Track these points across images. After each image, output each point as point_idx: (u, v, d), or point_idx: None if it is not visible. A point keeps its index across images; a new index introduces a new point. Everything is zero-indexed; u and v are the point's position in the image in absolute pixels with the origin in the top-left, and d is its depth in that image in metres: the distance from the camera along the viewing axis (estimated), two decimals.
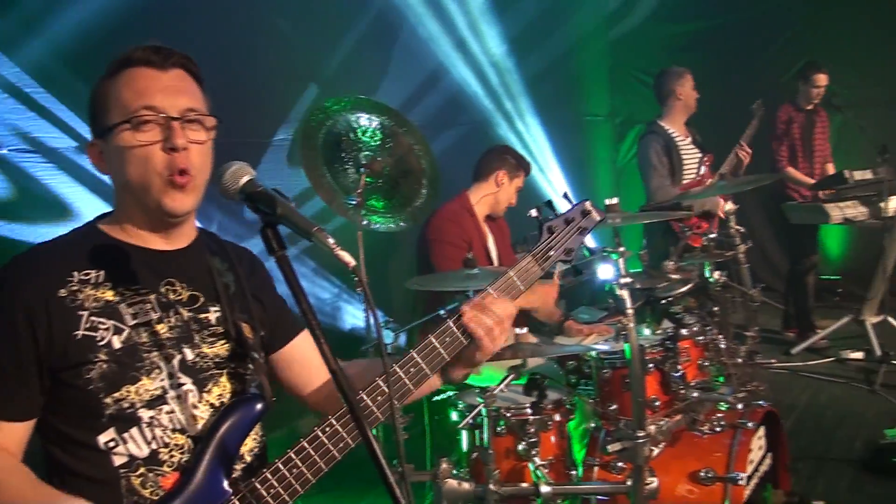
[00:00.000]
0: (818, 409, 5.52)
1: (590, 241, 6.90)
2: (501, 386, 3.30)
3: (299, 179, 4.71)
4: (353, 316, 5.92)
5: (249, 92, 5.47)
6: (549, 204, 2.21)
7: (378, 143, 3.65)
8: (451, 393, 4.30)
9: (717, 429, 3.49)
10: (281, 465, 1.74)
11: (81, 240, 1.83)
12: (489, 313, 1.94)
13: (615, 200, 3.24)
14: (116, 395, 1.69)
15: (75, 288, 1.73)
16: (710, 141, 6.33)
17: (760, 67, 8.44)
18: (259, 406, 1.82)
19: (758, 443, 3.56)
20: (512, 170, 4.62)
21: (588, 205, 2.18)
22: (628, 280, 3.18)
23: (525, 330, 3.54)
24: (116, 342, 1.72)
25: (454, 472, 3.34)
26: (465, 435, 3.44)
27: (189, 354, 1.81)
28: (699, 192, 5.48)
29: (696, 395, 3.52)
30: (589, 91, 9.25)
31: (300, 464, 1.75)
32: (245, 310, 1.95)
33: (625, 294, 3.16)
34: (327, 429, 1.77)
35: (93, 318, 1.71)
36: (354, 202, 3.60)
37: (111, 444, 1.70)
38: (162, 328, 1.79)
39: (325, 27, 6.02)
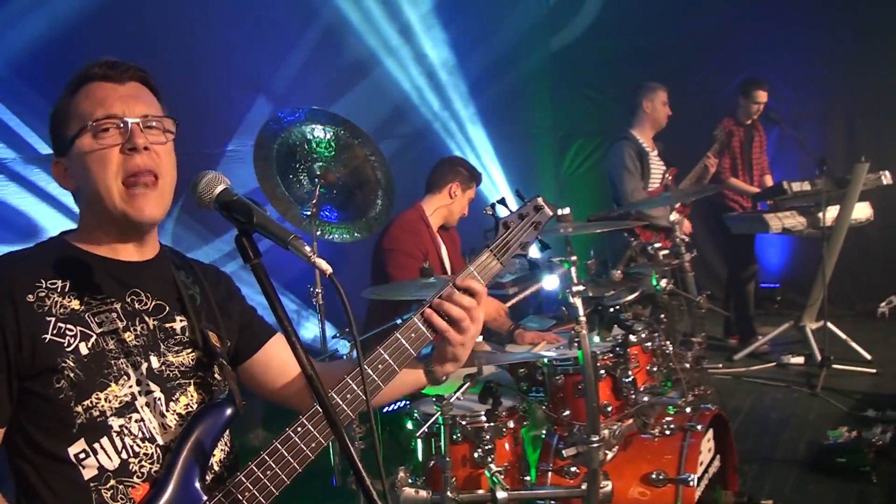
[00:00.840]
0: (762, 413, 5.66)
1: (534, 251, 7.00)
2: (458, 394, 3.32)
3: (252, 191, 4.69)
4: (308, 329, 5.93)
5: (200, 103, 5.44)
6: (502, 201, 2.27)
7: (332, 153, 3.66)
8: (404, 403, 4.33)
9: (668, 432, 3.54)
10: (255, 468, 1.76)
11: (48, 251, 1.84)
12: (453, 304, 1.97)
13: (567, 210, 3.30)
14: (86, 402, 1.69)
15: (43, 294, 1.73)
16: None
17: (700, 82, 8.66)
18: (229, 411, 1.82)
19: (707, 445, 3.65)
20: (465, 182, 4.68)
21: (540, 200, 2.23)
22: (580, 288, 3.24)
23: (480, 338, 3.58)
24: (83, 348, 1.71)
25: (411, 480, 3.38)
26: (420, 444, 3.45)
27: (155, 362, 1.81)
28: (648, 202, 5.60)
29: (646, 399, 3.58)
30: (532, 104, 9.37)
31: (273, 465, 1.76)
32: (211, 319, 1.96)
33: (577, 302, 3.22)
34: (299, 429, 1.79)
35: (60, 325, 1.71)
36: (308, 213, 3.60)
37: (81, 455, 1.69)
38: (128, 336, 1.79)
39: (274, 38, 6.06)
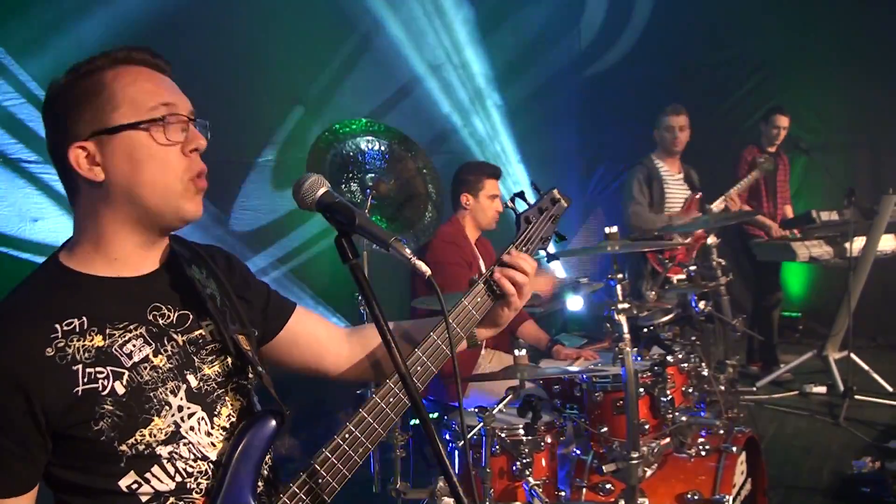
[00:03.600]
0: (785, 440, 5.69)
1: (559, 269, 7.02)
2: (500, 406, 3.36)
3: (284, 200, 4.73)
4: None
5: (238, 112, 5.51)
6: (521, 195, 2.31)
7: (385, 165, 3.72)
8: (438, 413, 4.37)
9: (703, 453, 3.59)
10: (317, 467, 1.75)
11: (50, 285, 1.68)
12: (518, 269, 2.04)
13: (614, 229, 3.37)
14: (130, 440, 1.60)
15: (62, 343, 1.57)
16: None
17: (727, 111, 8.75)
18: (273, 422, 1.77)
19: (740, 467, 3.69)
20: (471, 186, 4.68)
21: (556, 192, 2.27)
22: (626, 306, 3.30)
23: (524, 352, 3.62)
24: (119, 388, 1.60)
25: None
26: (457, 455, 3.49)
27: (193, 381, 1.72)
28: (683, 225, 5.69)
29: (684, 419, 3.63)
30: (561, 128, 9.46)
31: (338, 458, 1.76)
32: (236, 319, 1.87)
33: (622, 319, 3.29)
34: (346, 435, 1.78)
35: (89, 370, 1.58)
36: None
37: (134, 486, 1.62)
38: (160, 360, 1.68)
39: (315, 51, 6.13)
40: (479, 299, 2.04)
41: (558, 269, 6.82)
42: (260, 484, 1.76)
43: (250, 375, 1.86)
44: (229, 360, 1.81)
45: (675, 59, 8.88)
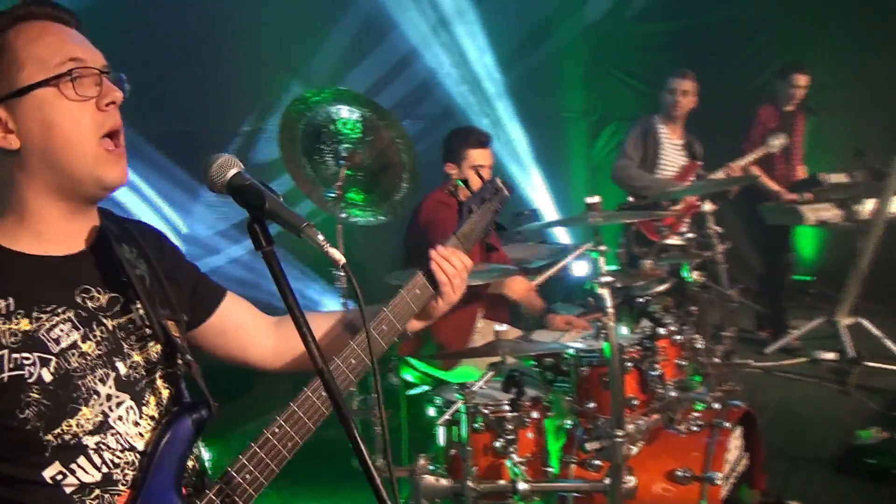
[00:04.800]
0: (791, 409, 5.55)
1: (565, 236, 6.92)
2: (481, 383, 3.29)
3: (274, 170, 4.66)
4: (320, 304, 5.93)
5: (230, 81, 5.53)
6: (465, 182, 2.28)
7: (358, 135, 3.60)
8: (427, 388, 4.30)
9: (695, 428, 3.49)
10: (257, 449, 1.71)
11: None
12: (452, 262, 2.08)
13: (597, 199, 3.21)
14: (56, 430, 1.54)
15: None
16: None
17: (735, 68, 8.49)
18: (202, 414, 1.71)
19: (735, 443, 3.57)
20: (453, 155, 4.48)
21: (499, 182, 2.32)
22: (609, 279, 3.16)
23: (506, 327, 3.52)
24: (46, 375, 1.54)
25: (431, 467, 3.34)
26: (441, 431, 3.42)
27: (122, 369, 1.66)
28: (677, 191, 5.54)
29: (673, 394, 3.52)
30: (564, 87, 9.24)
31: (265, 454, 1.72)
32: (165, 303, 1.81)
33: (605, 293, 3.15)
34: (276, 429, 1.74)
35: (15, 356, 1.52)
36: (334, 195, 3.55)
37: (58, 477, 1.55)
38: (89, 347, 1.62)
39: (304, 17, 6.01)
40: (418, 291, 2.07)
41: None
42: (186, 476, 1.72)
43: (179, 363, 1.79)
44: (158, 346, 1.75)
45: (682, 16, 8.61)
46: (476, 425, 3.27)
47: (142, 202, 5.37)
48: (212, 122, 5.63)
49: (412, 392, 4.53)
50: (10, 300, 1.55)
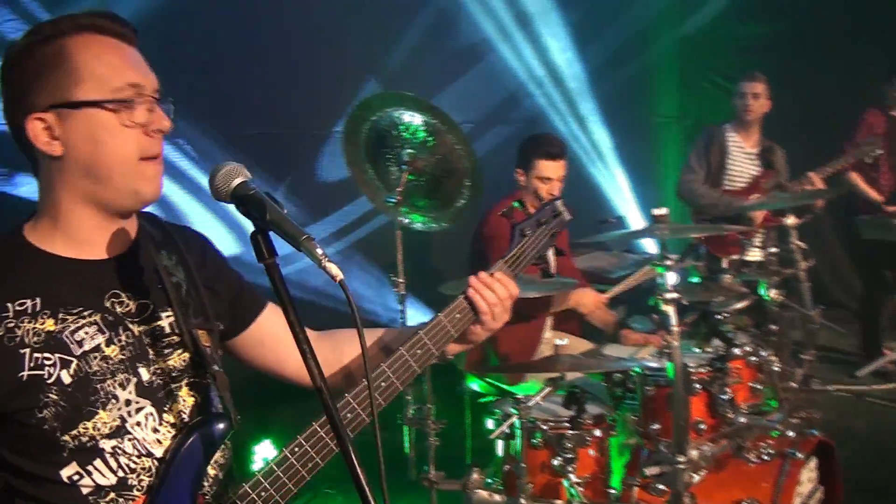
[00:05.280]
0: (880, 439, 5.23)
1: (653, 246, 6.70)
2: (537, 398, 3.20)
3: None
4: (391, 310, 5.89)
5: (310, 84, 5.56)
6: (522, 204, 2.15)
7: (421, 140, 3.55)
8: (492, 398, 4.21)
9: (765, 457, 3.32)
10: (261, 478, 1.69)
11: (8, 259, 1.62)
12: (495, 290, 1.96)
13: (664, 211, 3.07)
14: (73, 432, 1.57)
15: (12, 324, 1.54)
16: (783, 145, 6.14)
17: (838, 72, 8.08)
18: (222, 426, 1.71)
19: (808, 475, 3.38)
20: (523, 162, 4.36)
21: (559, 205, 2.16)
22: (674, 295, 3.02)
23: (567, 340, 3.41)
24: (66, 377, 1.56)
25: (487, 482, 3.29)
26: (500, 444, 3.35)
27: (145, 374, 1.67)
28: (745, 207, 5.33)
29: (744, 420, 3.36)
30: (657, 91, 8.99)
31: (283, 473, 1.70)
32: (199, 311, 1.80)
33: (669, 310, 3.01)
34: (296, 448, 1.72)
35: (36, 355, 1.54)
36: (394, 200, 3.50)
37: (75, 477, 1.58)
38: (112, 351, 1.63)
39: (387, 21, 6.04)
40: (457, 315, 1.97)
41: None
42: (206, 485, 1.73)
43: (209, 374, 1.78)
44: (186, 354, 1.75)
45: (781, 18, 8.25)
46: (534, 441, 3.19)
47: (208, 208, 5.43)
48: (290, 124, 5.66)
49: (480, 399, 4.46)
50: (38, 300, 1.58)
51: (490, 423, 3.45)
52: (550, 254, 2.15)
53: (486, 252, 4.15)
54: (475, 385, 4.39)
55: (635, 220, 8.15)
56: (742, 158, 6.02)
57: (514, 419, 3.14)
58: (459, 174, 3.58)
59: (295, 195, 5.74)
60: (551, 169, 4.26)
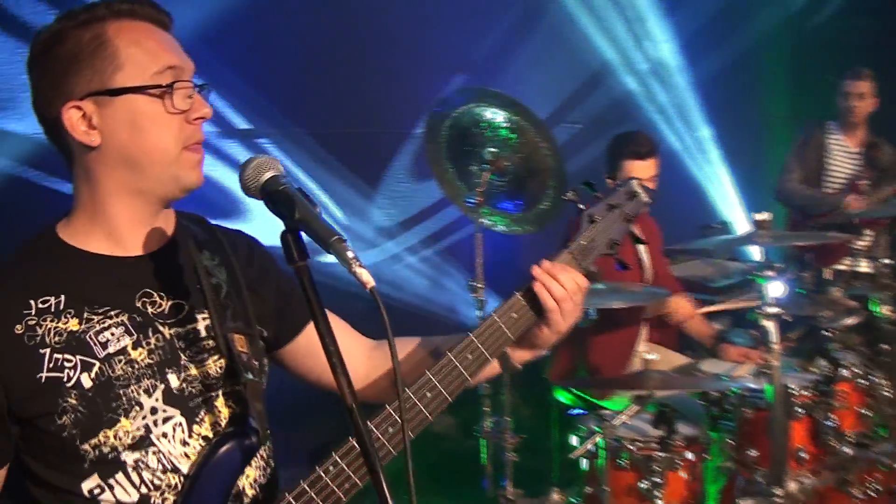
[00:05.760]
0: None
1: (757, 252, 6.30)
2: (623, 417, 3.07)
3: None
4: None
5: (399, 81, 5.46)
6: (590, 185, 1.86)
7: (503, 138, 3.39)
8: (579, 411, 4.02)
9: (872, 494, 3.14)
10: (306, 487, 1.58)
11: (37, 256, 1.57)
12: (561, 282, 1.74)
13: (766, 216, 2.83)
14: (93, 440, 1.48)
15: (33, 322, 1.48)
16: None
17: None
18: (249, 442, 1.58)
19: None
20: (610, 165, 4.05)
21: (635, 184, 1.88)
22: (776, 309, 2.80)
23: (657, 356, 3.20)
24: (86, 380, 1.48)
25: (568, 501, 3.21)
26: (584, 462, 3.20)
27: (174, 381, 1.56)
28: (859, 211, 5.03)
29: (850, 450, 3.15)
30: (768, 89, 8.59)
31: (315, 493, 1.58)
32: (239, 315, 1.69)
33: (770, 325, 2.79)
34: (331, 467, 1.59)
35: (56, 356, 1.47)
36: (475, 201, 3.35)
37: (96, 490, 1.50)
38: (139, 354, 1.54)
39: (479, 17, 5.88)
40: (514, 315, 1.74)
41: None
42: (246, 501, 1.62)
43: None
44: (222, 361, 1.63)
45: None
46: (619, 462, 3.05)
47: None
48: (384, 122, 5.60)
49: (569, 411, 4.27)
50: (62, 297, 1.51)
51: (574, 440, 3.29)
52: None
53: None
54: (561, 397, 4.21)
55: (742, 225, 7.79)
56: (843, 158, 5.74)
57: (598, 437, 3.02)
58: (544, 174, 3.41)
59: (379, 193, 5.70)
60: (640, 169, 3.99)
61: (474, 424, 3.72)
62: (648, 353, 3.13)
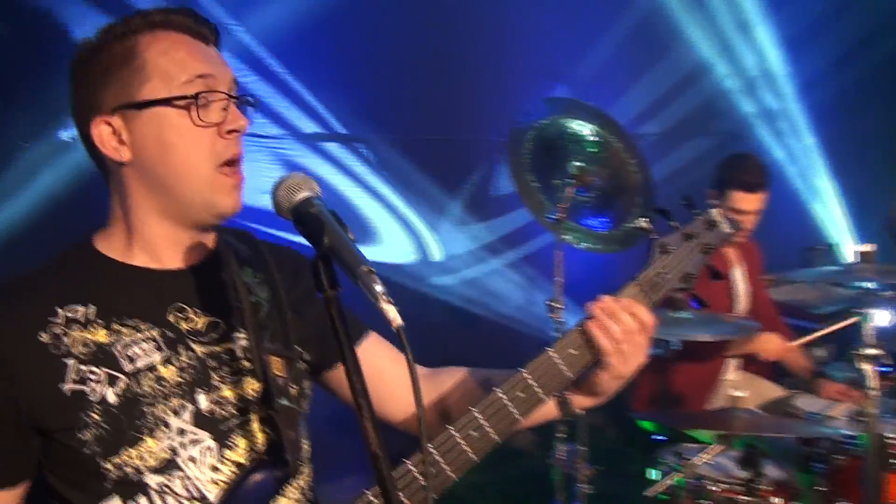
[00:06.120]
0: None
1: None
2: (705, 457, 2.93)
3: None
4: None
5: (492, 89, 5.40)
6: (665, 213, 1.71)
7: (590, 152, 3.23)
8: (663, 437, 3.82)
9: None
10: None
11: (70, 264, 1.52)
12: (621, 320, 1.60)
13: (869, 248, 2.59)
14: (116, 459, 1.41)
15: (59, 331, 1.42)
16: None
17: None
18: (281, 472, 1.49)
19: None
20: (716, 184, 3.88)
21: (716, 213, 1.73)
22: (876, 351, 2.57)
23: (744, 393, 3.00)
24: (111, 396, 1.41)
25: None
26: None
27: (204, 402, 1.48)
28: None
29: None
30: (880, 103, 8.12)
31: None
32: (278, 336, 1.60)
33: (868, 368, 2.57)
34: None
35: (81, 368, 1.41)
36: (556, 217, 3.20)
37: None
38: (168, 372, 1.47)
39: (575, 26, 5.77)
40: (572, 351, 1.61)
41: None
42: None
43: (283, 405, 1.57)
44: (257, 383, 1.55)
45: None
46: (700, 502, 2.89)
47: (386, 212, 5.42)
48: (468, 130, 5.56)
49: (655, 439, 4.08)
50: (92, 307, 1.46)
51: (654, 474, 3.17)
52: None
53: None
54: (645, 423, 4.02)
55: (850, 247, 7.38)
56: None
57: (677, 476, 2.90)
58: (631, 191, 3.24)
59: (469, 203, 5.67)
60: (747, 201, 3.78)
61: (545, 452, 3.56)
62: (736, 390, 2.94)
